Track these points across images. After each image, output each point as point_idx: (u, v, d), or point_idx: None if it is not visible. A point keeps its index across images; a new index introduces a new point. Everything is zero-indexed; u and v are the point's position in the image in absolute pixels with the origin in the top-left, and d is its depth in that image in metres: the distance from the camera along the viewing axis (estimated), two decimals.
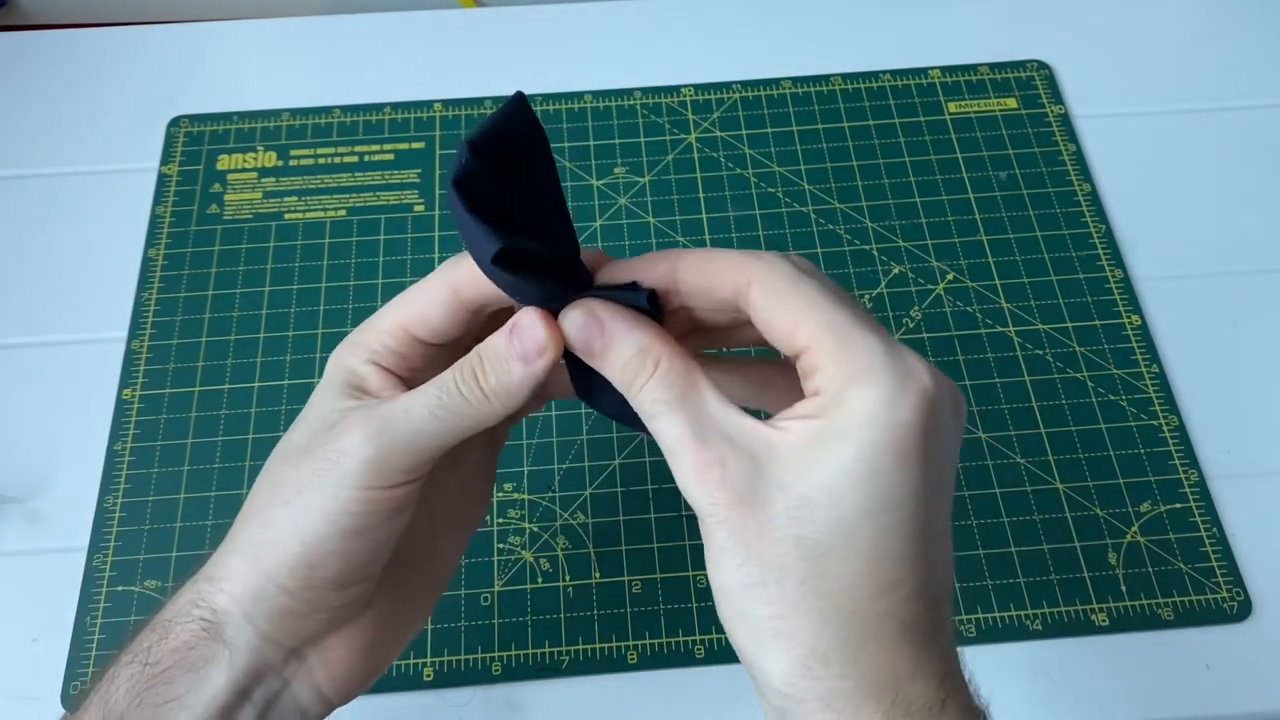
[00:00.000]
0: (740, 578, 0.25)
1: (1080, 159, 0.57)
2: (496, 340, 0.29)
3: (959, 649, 0.27)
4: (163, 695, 0.28)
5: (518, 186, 0.27)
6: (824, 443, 0.25)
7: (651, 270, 0.28)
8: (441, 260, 0.54)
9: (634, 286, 0.28)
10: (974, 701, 0.26)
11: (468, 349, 0.30)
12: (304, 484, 0.28)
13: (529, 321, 0.28)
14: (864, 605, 0.25)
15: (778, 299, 0.26)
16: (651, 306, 0.28)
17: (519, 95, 0.27)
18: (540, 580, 0.46)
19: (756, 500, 0.25)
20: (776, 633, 0.25)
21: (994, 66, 0.61)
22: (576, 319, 0.28)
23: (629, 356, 0.27)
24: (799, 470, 0.25)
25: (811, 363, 0.26)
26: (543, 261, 0.27)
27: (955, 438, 0.27)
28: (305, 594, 0.28)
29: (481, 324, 0.31)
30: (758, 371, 0.31)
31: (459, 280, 0.30)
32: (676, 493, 0.47)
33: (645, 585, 0.45)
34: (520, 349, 0.28)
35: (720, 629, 0.44)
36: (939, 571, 0.26)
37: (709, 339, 0.31)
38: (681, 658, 0.44)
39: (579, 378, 0.31)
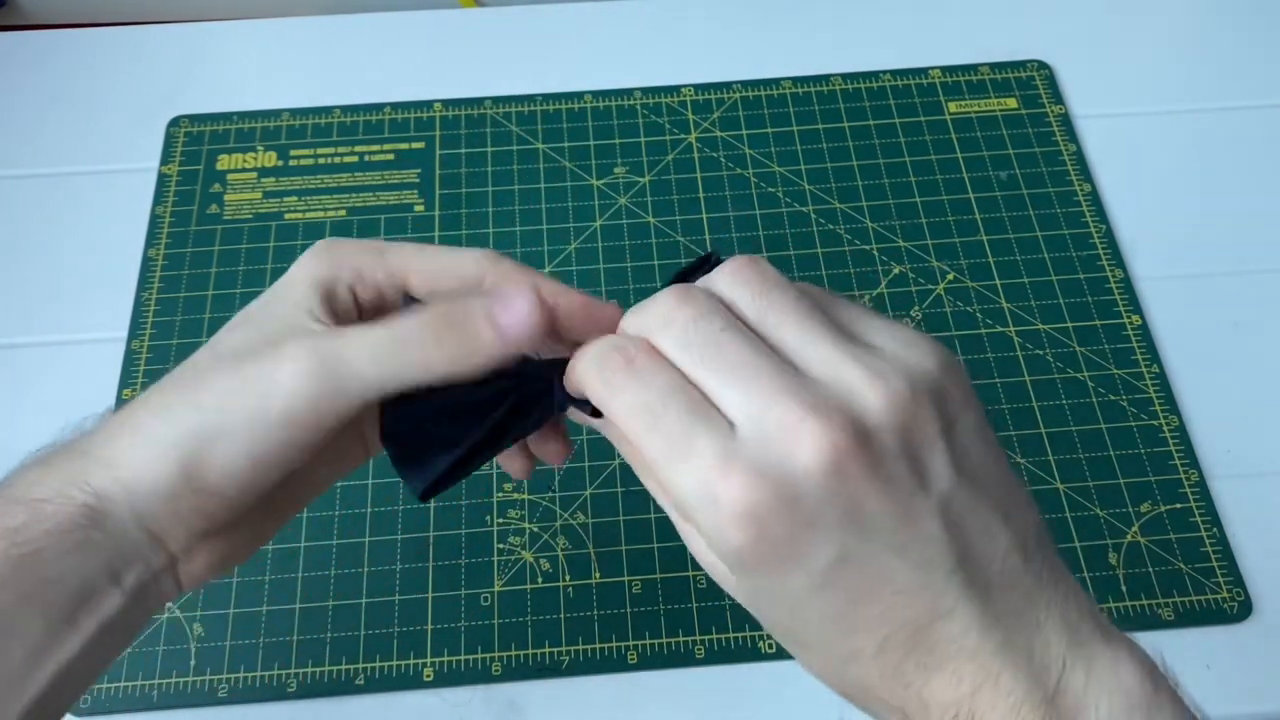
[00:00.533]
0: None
1: (1080, 159, 0.57)
2: (471, 300, 0.28)
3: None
4: (33, 575, 0.26)
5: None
6: None
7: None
8: None
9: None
10: None
11: None
12: (232, 399, 0.27)
13: (520, 304, 0.28)
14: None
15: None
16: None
17: None
18: (540, 580, 0.45)
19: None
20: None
21: (994, 66, 0.61)
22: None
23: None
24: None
25: None
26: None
27: None
28: (200, 503, 0.27)
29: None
30: None
31: (499, 269, 0.30)
32: None
33: (645, 585, 0.45)
34: (508, 319, 0.28)
35: (721, 628, 0.44)
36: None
37: None
38: (681, 658, 0.44)
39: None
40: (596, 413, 0.27)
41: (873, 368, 0.24)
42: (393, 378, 0.27)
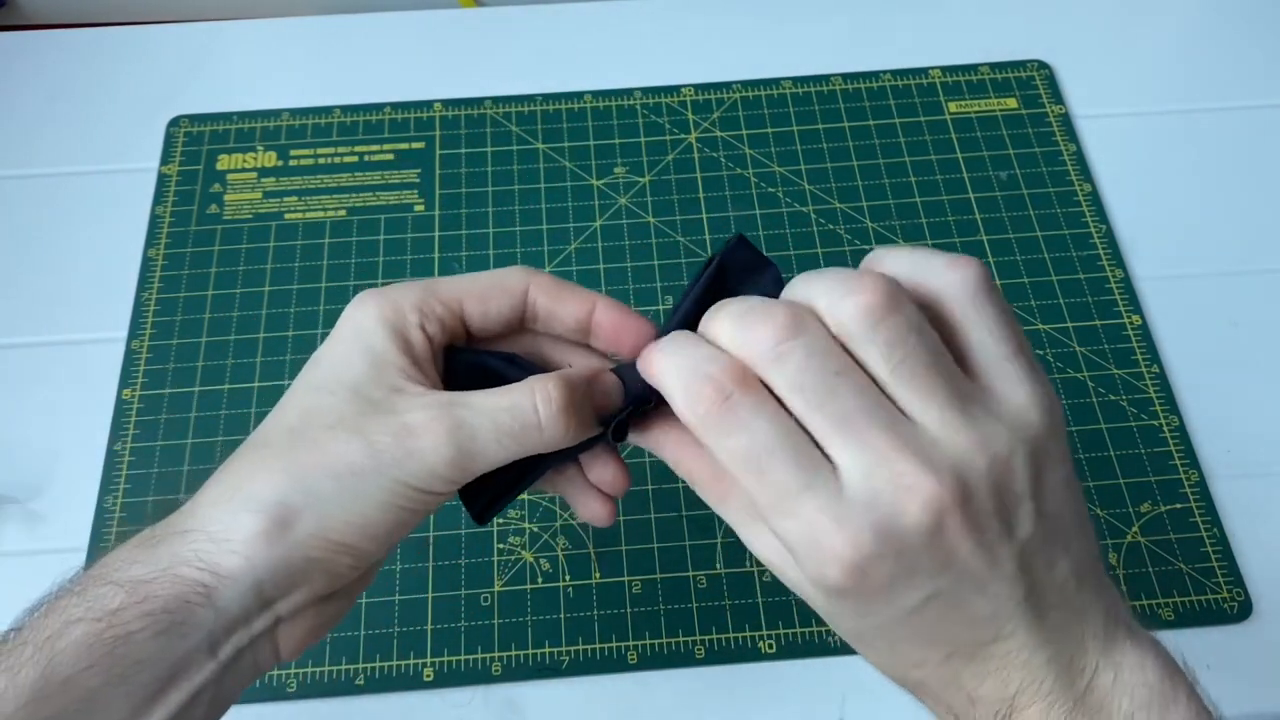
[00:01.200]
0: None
1: (1080, 159, 0.57)
2: (595, 380, 0.29)
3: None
4: (126, 656, 0.26)
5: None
6: None
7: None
8: (442, 260, 0.54)
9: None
10: None
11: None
12: (360, 469, 0.27)
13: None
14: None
15: None
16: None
17: None
18: (540, 580, 0.45)
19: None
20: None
21: (994, 66, 0.61)
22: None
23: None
24: None
25: None
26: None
27: None
28: (329, 567, 0.28)
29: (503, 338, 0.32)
30: None
31: (538, 283, 0.31)
32: (676, 493, 0.47)
33: (645, 585, 0.45)
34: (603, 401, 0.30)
35: (721, 628, 0.44)
36: None
37: None
38: (681, 658, 0.44)
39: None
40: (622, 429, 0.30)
41: (983, 431, 0.25)
42: (516, 452, 0.29)
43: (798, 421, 0.25)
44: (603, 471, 0.33)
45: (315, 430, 0.28)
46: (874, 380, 0.25)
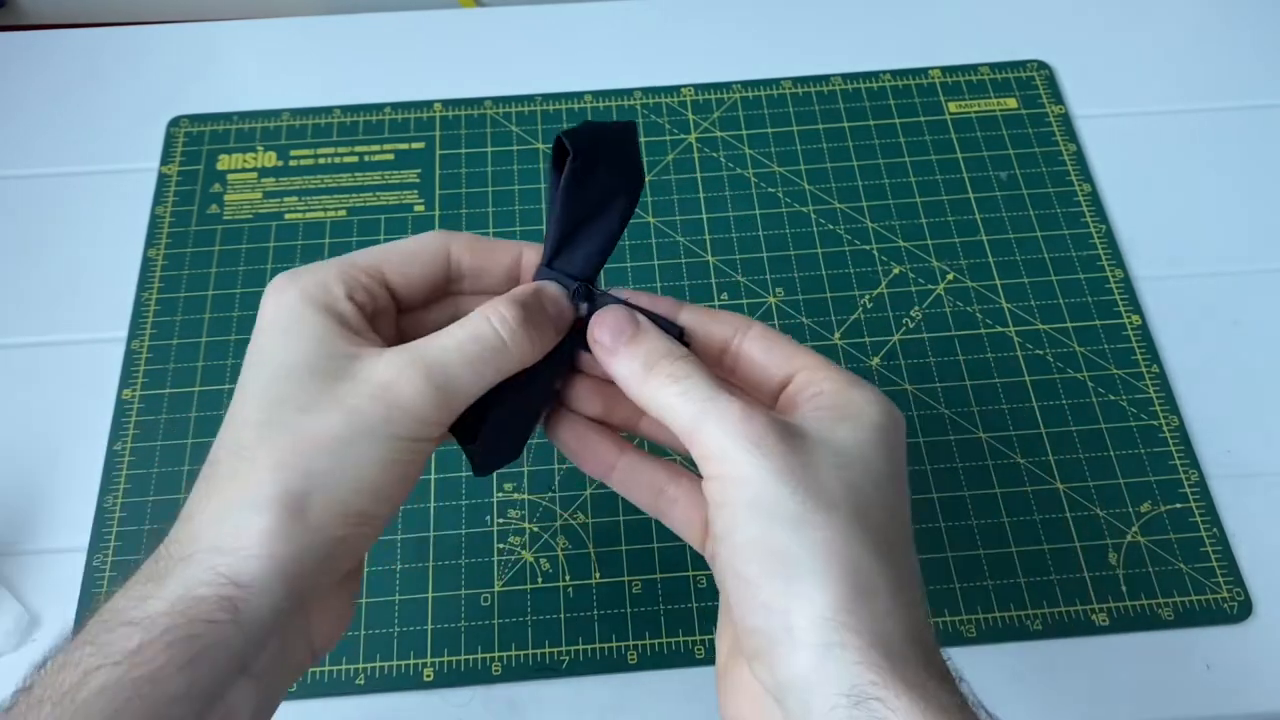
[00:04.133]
0: (792, 506, 0.26)
1: (1080, 159, 0.57)
2: (538, 294, 0.31)
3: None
4: (155, 694, 0.25)
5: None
6: (843, 420, 0.29)
7: (655, 300, 0.32)
8: None
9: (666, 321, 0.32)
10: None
11: (396, 330, 0.32)
12: (347, 435, 0.27)
13: (558, 293, 0.31)
14: (892, 540, 0.27)
15: (774, 342, 0.31)
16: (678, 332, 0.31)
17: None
18: (540, 580, 0.46)
19: (801, 446, 0.27)
20: (829, 557, 0.26)
21: (994, 66, 0.61)
22: (614, 314, 0.31)
23: (660, 338, 0.30)
24: (833, 432, 0.28)
25: (807, 379, 0.30)
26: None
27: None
28: (352, 542, 0.28)
29: (437, 300, 0.33)
30: (664, 473, 0.33)
31: (456, 240, 0.32)
32: None
33: (645, 585, 0.45)
34: (555, 313, 0.31)
35: None
36: (913, 562, 0.29)
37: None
38: (681, 658, 0.44)
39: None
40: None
41: None
42: (490, 378, 0.29)
43: None
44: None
45: (288, 417, 0.27)
46: None
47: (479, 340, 0.29)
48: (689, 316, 0.32)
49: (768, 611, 0.26)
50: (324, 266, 0.30)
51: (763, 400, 0.32)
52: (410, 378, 0.28)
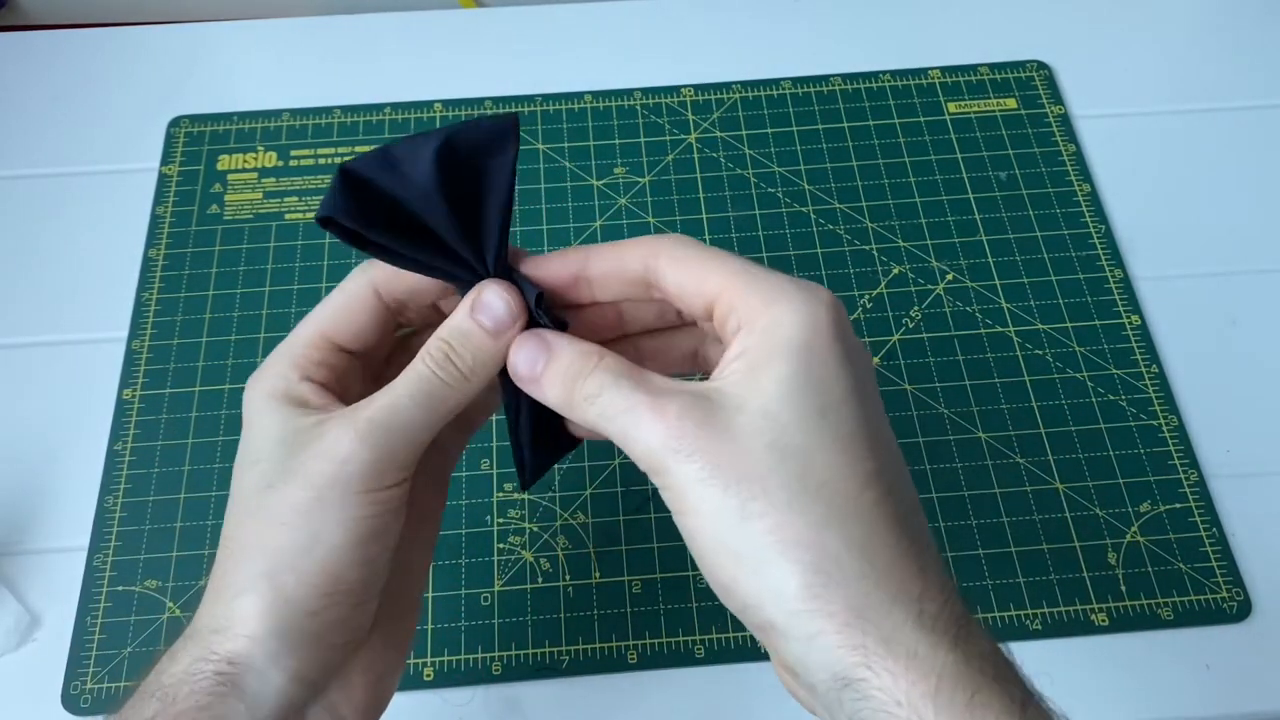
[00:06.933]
0: (729, 502, 0.25)
1: (1080, 159, 0.57)
2: (460, 320, 0.29)
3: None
4: None
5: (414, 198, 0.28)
6: (763, 366, 0.26)
7: (563, 260, 0.30)
8: None
9: (528, 283, 0.30)
10: (985, 641, 0.26)
11: (378, 373, 0.32)
12: (304, 503, 0.27)
13: (493, 296, 0.29)
14: (853, 496, 0.25)
15: (685, 262, 0.29)
16: (539, 309, 0.29)
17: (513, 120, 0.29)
18: (540, 580, 0.46)
19: (719, 427, 0.26)
20: (781, 544, 0.25)
21: (994, 66, 0.61)
22: (526, 345, 0.29)
23: (571, 358, 0.28)
24: (750, 392, 0.26)
25: (728, 304, 0.27)
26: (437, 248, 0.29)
27: (861, 348, 0.28)
28: (331, 613, 0.28)
29: (395, 342, 0.33)
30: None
31: (377, 277, 0.31)
32: None
33: (645, 585, 0.45)
34: (491, 322, 0.29)
35: (721, 628, 0.44)
36: (901, 473, 0.27)
37: (637, 351, 0.32)
38: (681, 658, 0.44)
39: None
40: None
41: None
42: (445, 415, 0.29)
43: None
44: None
45: (258, 499, 0.28)
46: None
47: (416, 380, 0.29)
48: (600, 265, 0.30)
49: (750, 610, 0.26)
50: (275, 358, 0.30)
51: (704, 330, 0.31)
52: (349, 432, 0.28)
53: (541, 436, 0.32)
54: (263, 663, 0.27)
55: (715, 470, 0.25)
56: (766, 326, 0.26)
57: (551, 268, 0.30)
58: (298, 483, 0.28)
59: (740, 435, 0.25)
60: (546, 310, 0.30)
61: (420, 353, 0.29)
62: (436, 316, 0.32)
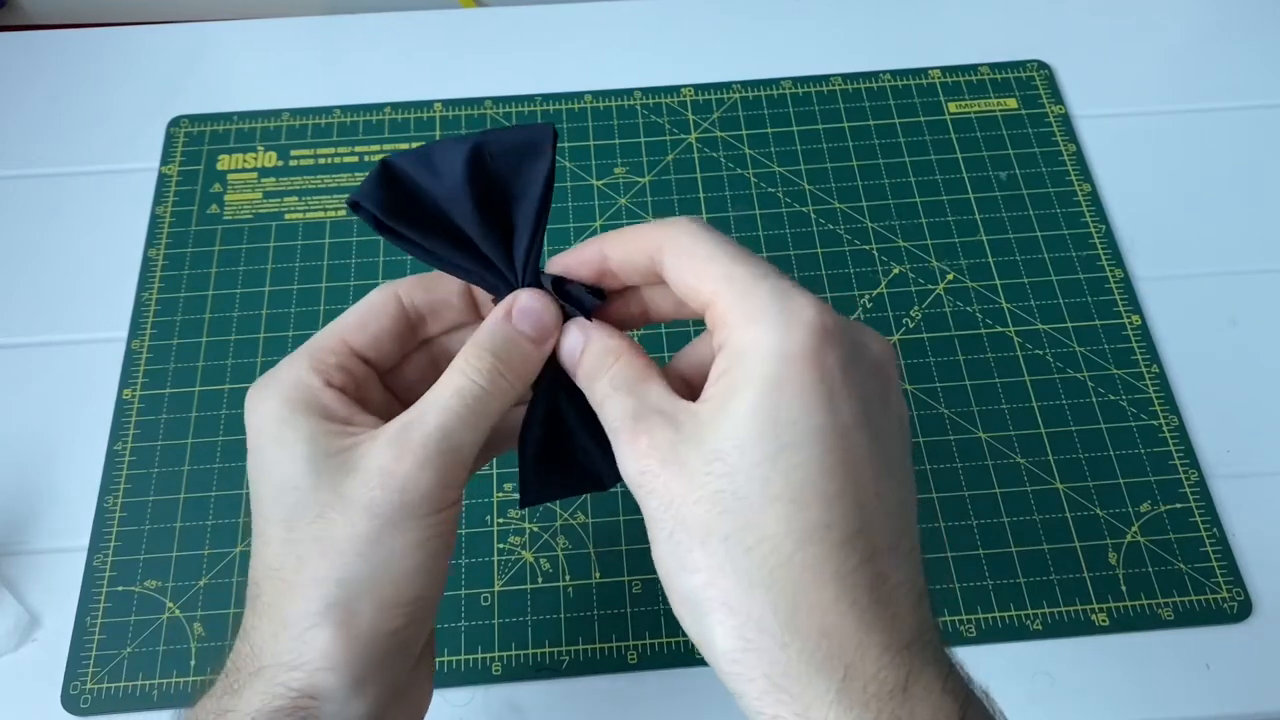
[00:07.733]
0: (671, 548, 0.25)
1: (1080, 159, 0.57)
2: (501, 327, 0.29)
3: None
4: None
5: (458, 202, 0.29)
6: (732, 396, 0.25)
7: (582, 254, 0.30)
8: None
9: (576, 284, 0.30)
10: (957, 682, 0.24)
11: (388, 383, 0.31)
12: (371, 533, 0.27)
13: (534, 304, 0.29)
14: (788, 555, 0.23)
15: (684, 258, 0.28)
16: (595, 295, 0.30)
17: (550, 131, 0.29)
18: (540, 580, 0.46)
19: (679, 463, 0.25)
20: (711, 602, 0.24)
21: (994, 66, 0.61)
22: (573, 332, 0.30)
23: (597, 352, 0.29)
24: (712, 425, 0.25)
25: (717, 314, 0.26)
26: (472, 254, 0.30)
27: (873, 373, 0.26)
28: (406, 632, 0.28)
29: (413, 350, 0.33)
30: None
31: (402, 287, 0.31)
32: None
33: (645, 585, 0.45)
34: (534, 330, 0.29)
35: None
36: (872, 517, 0.24)
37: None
38: (681, 658, 0.44)
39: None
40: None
41: None
42: (486, 425, 0.29)
43: None
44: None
45: (308, 530, 0.27)
46: None
47: (461, 395, 0.28)
48: (614, 252, 0.29)
49: (702, 645, 0.25)
50: (294, 361, 0.30)
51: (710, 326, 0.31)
52: (408, 457, 0.27)
53: (553, 459, 0.31)
54: (344, 693, 0.27)
55: (666, 511, 0.25)
56: (740, 350, 0.25)
57: (574, 268, 0.30)
58: (357, 512, 0.27)
59: (693, 477, 0.25)
60: (580, 287, 0.30)
61: (458, 366, 0.29)
62: (456, 337, 0.32)
